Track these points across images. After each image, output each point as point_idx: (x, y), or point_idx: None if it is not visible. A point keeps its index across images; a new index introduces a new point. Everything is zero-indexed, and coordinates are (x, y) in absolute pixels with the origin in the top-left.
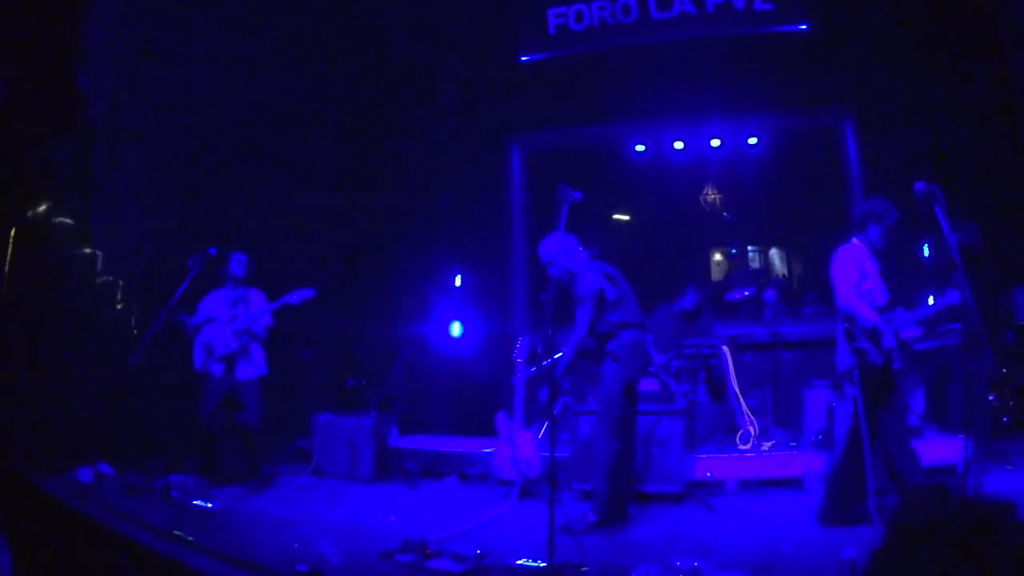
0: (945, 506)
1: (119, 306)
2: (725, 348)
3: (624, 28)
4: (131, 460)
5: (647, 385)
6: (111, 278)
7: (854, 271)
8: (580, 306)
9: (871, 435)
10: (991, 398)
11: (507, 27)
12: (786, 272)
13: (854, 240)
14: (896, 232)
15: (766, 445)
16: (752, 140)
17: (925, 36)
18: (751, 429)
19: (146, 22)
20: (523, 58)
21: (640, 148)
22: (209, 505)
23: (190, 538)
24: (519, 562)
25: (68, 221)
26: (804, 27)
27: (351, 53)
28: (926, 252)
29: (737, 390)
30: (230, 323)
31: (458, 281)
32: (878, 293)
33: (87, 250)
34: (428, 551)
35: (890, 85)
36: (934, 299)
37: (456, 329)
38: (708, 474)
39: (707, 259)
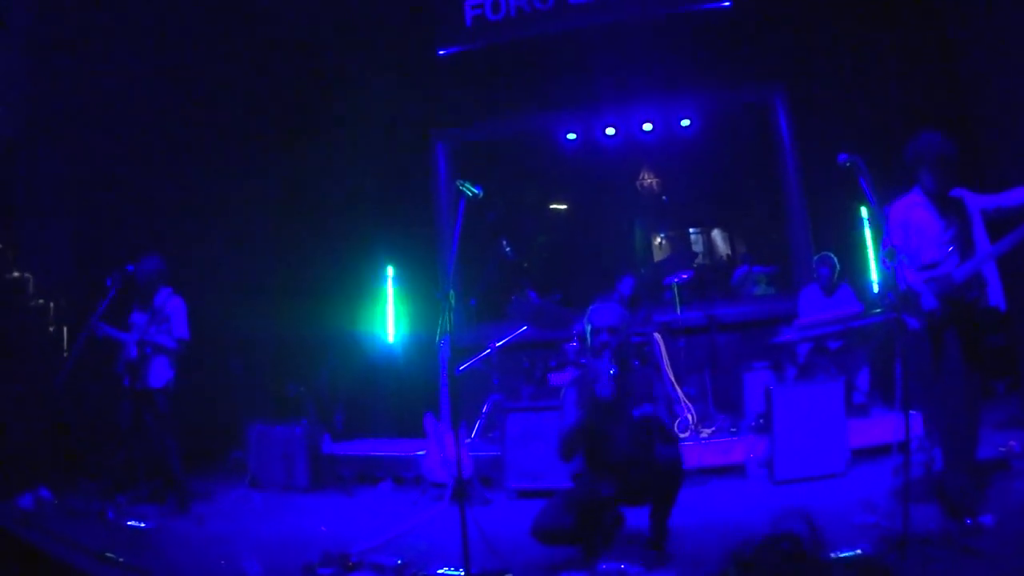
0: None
1: (51, 328)
2: (657, 335)
3: (542, 15)
4: (70, 482)
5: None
6: (42, 301)
7: (890, 233)
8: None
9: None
10: None
11: (424, 21)
12: (730, 252)
13: (914, 190)
14: (950, 167)
15: (705, 432)
16: (685, 122)
17: (852, 4)
18: (689, 416)
19: (55, 26)
20: (440, 52)
21: (571, 136)
22: (142, 525)
23: (121, 560)
24: (440, 571)
25: None
26: (727, 3)
27: (271, 53)
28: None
29: (672, 377)
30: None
31: (391, 272)
32: (926, 249)
33: (16, 274)
34: (350, 563)
35: (820, 57)
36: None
37: (391, 332)
38: None
39: (648, 244)
